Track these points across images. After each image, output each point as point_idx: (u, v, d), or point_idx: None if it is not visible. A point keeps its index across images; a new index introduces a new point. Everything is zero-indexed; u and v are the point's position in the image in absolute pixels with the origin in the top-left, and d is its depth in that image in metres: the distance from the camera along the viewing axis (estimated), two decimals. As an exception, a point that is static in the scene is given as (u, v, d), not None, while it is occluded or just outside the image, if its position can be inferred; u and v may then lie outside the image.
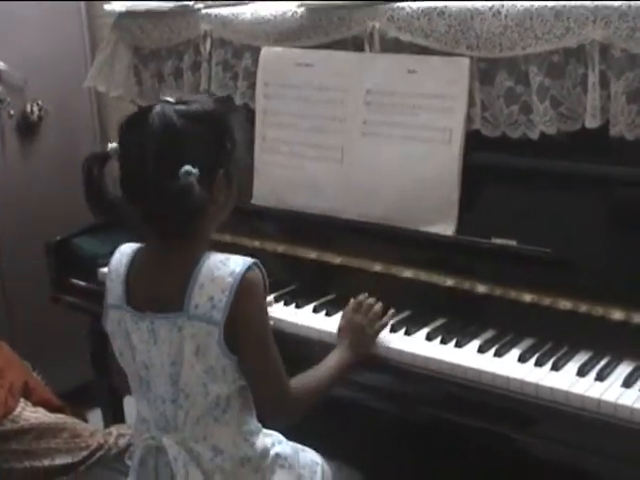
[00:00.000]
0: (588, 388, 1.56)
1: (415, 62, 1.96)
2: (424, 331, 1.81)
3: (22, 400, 2.25)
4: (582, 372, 1.61)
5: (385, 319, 1.79)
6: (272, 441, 1.63)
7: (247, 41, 2.27)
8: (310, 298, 1.99)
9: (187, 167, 1.43)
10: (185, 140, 1.45)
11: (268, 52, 2.20)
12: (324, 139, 2.10)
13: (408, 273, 1.92)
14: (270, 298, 1.95)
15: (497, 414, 1.63)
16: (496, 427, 1.63)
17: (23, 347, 2.51)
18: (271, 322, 1.84)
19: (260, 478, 1.58)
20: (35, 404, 2.29)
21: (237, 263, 1.49)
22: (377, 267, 1.96)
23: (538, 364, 1.66)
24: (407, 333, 1.81)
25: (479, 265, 1.84)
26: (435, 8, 1.91)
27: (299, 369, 1.62)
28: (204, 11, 2.37)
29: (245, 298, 1.47)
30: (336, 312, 1.91)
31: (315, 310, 1.95)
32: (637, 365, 1.63)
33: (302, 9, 2.14)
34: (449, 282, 1.86)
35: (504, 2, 1.82)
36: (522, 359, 1.68)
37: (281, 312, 1.95)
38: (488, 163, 1.90)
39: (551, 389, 1.58)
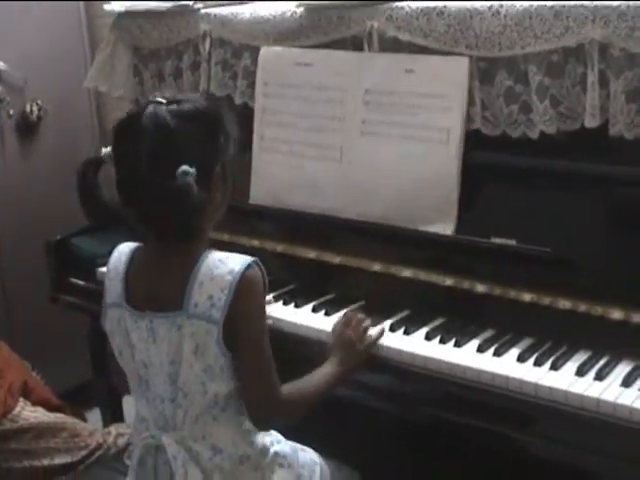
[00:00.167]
0: (587, 388, 1.56)
1: (414, 61, 1.96)
2: (423, 331, 1.81)
3: (21, 399, 2.25)
4: (581, 372, 1.61)
5: (376, 334, 1.79)
6: (271, 440, 1.63)
7: (246, 41, 2.27)
8: (309, 298, 1.99)
9: (184, 167, 1.42)
10: (180, 140, 1.45)
11: (267, 52, 2.20)
12: (323, 138, 2.10)
13: (407, 273, 1.92)
14: (269, 297, 1.95)
15: (496, 414, 1.63)
16: (495, 427, 1.63)
17: (22, 347, 2.51)
18: (270, 321, 1.85)
19: (260, 477, 1.58)
20: (34, 403, 2.29)
21: (236, 261, 1.49)
22: (376, 267, 1.96)
23: (537, 364, 1.65)
24: (406, 333, 1.81)
25: (478, 265, 1.84)
26: (434, 8, 1.91)
27: (298, 368, 1.62)
28: (203, 11, 2.37)
29: (244, 296, 1.47)
30: (335, 312, 1.91)
31: (314, 310, 1.95)
32: (636, 365, 1.63)
33: (301, 9, 2.14)
34: (448, 282, 1.86)
35: (503, 2, 1.82)
36: (521, 359, 1.68)
37: (280, 312, 1.94)
38: (488, 162, 1.90)
39: (550, 389, 1.58)
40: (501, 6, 1.81)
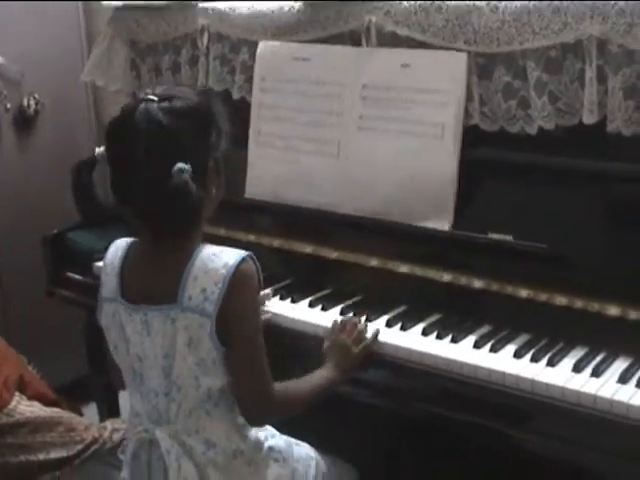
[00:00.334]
0: (584, 384, 1.56)
1: (412, 57, 1.96)
2: (420, 326, 1.81)
3: (17, 394, 2.25)
4: (578, 368, 1.61)
5: (370, 338, 1.78)
6: (265, 435, 1.63)
7: (244, 35, 2.27)
8: (306, 293, 1.99)
9: (180, 164, 1.42)
10: (174, 137, 1.44)
11: (265, 46, 2.20)
12: (320, 133, 2.09)
13: (404, 268, 1.92)
14: (268, 291, 1.95)
15: (493, 410, 1.63)
16: (492, 423, 1.63)
17: (18, 341, 2.50)
18: (269, 315, 1.85)
19: (253, 471, 1.58)
20: (30, 398, 2.28)
21: (231, 255, 1.49)
22: (373, 262, 1.96)
23: (534, 360, 1.65)
24: (403, 328, 1.81)
25: (475, 260, 1.84)
26: (432, 3, 1.91)
27: (295, 364, 1.62)
28: (201, 5, 2.37)
29: (238, 290, 1.47)
30: (332, 307, 1.91)
31: (311, 305, 1.95)
32: (633, 361, 1.63)
33: (299, 3, 2.14)
34: (445, 277, 1.86)
35: (501, -3, 1.82)
36: (518, 355, 1.67)
37: (277, 306, 1.94)
38: (485, 158, 1.90)
39: (547, 385, 1.57)
40: (500, 2, 1.81)
